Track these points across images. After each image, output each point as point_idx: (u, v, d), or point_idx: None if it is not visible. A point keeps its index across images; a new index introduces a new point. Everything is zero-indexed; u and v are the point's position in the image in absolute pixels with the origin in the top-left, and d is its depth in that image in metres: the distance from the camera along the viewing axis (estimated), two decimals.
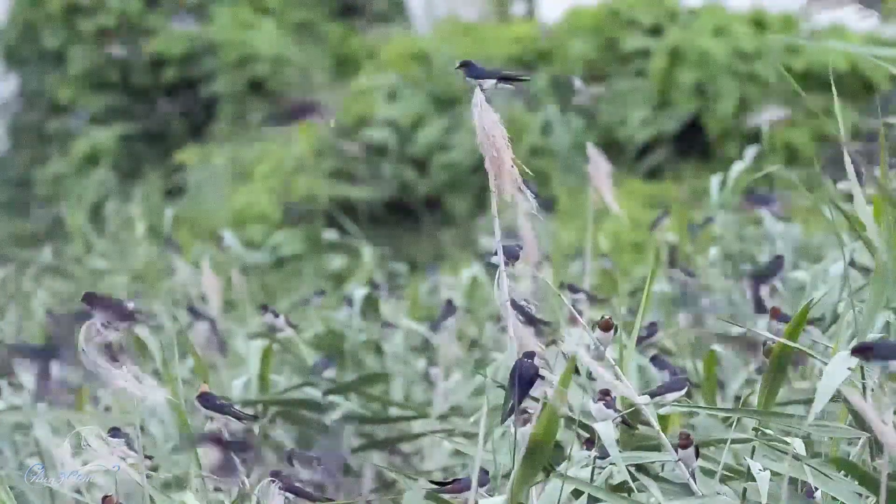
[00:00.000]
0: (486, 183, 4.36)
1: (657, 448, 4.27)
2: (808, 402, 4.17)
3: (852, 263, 5.93)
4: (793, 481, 4.28)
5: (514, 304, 4.44)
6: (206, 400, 4.49)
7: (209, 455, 4.25)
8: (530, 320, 5.20)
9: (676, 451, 4.22)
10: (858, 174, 4.71)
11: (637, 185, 17.78)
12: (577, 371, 4.16)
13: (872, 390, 4.07)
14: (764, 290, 6.69)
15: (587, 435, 4.45)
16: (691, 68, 18.78)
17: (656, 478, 4.27)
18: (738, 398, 6.39)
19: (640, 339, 5.70)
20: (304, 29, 22.97)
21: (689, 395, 4.84)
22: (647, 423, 4.32)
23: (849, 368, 4.06)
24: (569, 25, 19.77)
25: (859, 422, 4.26)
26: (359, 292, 8.69)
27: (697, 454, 4.25)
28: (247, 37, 22.56)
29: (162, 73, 23.06)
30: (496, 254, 4.43)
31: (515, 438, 4.18)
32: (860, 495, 4.14)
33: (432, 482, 4.39)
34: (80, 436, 4.34)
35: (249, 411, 6.50)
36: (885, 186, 4.54)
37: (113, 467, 4.34)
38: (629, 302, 8.44)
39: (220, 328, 8.56)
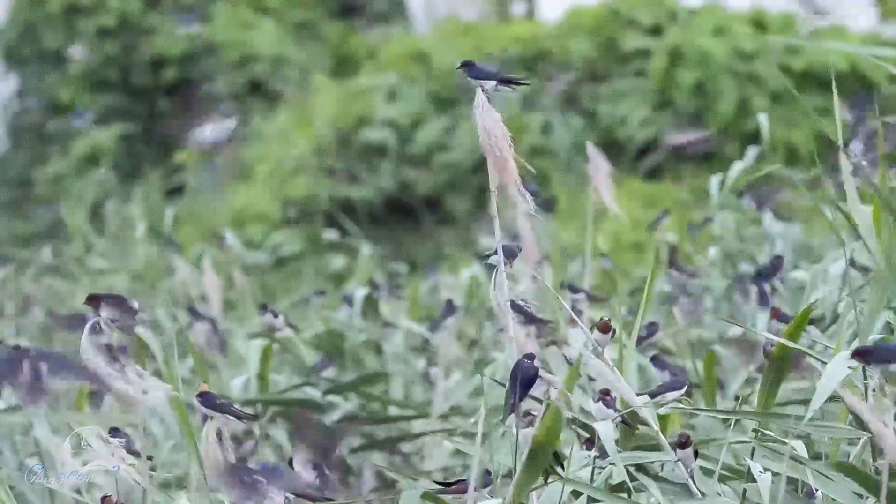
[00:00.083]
0: (487, 183, 4.36)
1: (657, 448, 4.27)
2: (808, 402, 4.16)
3: (852, 263, 5.93)
4: (793, 482, 4.28)
5: (514, 305, 4.45)
6: (206, 399, 4.49)
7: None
8: (530, 320, 5.20)
9: (675, 451, 4.23)
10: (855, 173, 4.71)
11: (637, 185, 17.77)
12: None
13: (874, 391, 4.07)
14: (765, 288, 6.70)
15: (587, 435, 4.46)
16: (691, 68, 18.77)
17: (656, 477, 4.27)
18: (738, 398, 6.39)
19: (640, 339, 5.71)
20: (304, 29, 22.97)
21: (689, 394, 4.84)
22: (647, 424, 4.32)
23: (849, 369, 4.06)
24: (569, 25, 19.77)
25: (859, 422, 4.26)
26: (359, 292, 8.70)
27: (696, 454, 4.26)
28: (247, 37, 22.56)
29: (162, 73, 23.06)
30: (493, 255, 4.43)
31: (517, 440, 4.18)
32: (860, 496, 4.14)
33: (437, 482, 4.39)
34: (79, 436, 4.34)
35: (249, 411, 6.50)
36: (883, 190, 4.53)
37: (113, 467, 4.34)
38: (629, 302, 8.44)
39: (220, 328, 8.56)
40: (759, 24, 18.70)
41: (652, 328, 6.35)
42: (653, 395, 4.50)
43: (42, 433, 6.16)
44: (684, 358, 7.09)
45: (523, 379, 4.15)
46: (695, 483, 4.22)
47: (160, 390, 4.32)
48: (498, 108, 4.39)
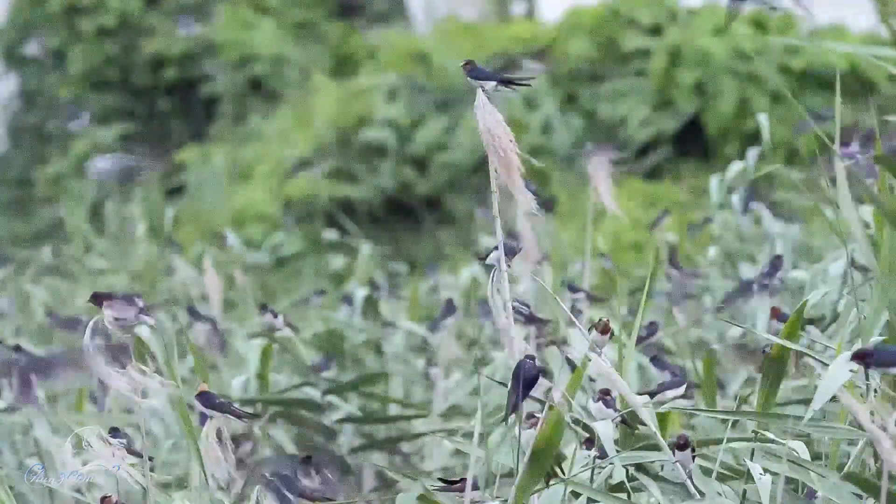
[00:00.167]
0: (487, 183, 4.35)
1: (657, 448, 4.27)
2: (808, 401, 4.16)
3: (853, 263, 5.93)
4: (793, 482, 4.27)
5: (511, 305, 4.44)
6: (206, 399, 4.49)
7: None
8: (530, 320, 5.20)
9: (673, 451, 4.22)
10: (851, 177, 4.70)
11: (637, 185, 17.78)
12: None
13: (875, 391, 4.07)
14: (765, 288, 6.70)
15: (587, 435, 4.46)
16: (691, 68, 18.78)
17: (656, 477, 4.27)
18: (738, 398, 6.39)
19: (640, 339, 5.71)
20: (304, 28, 22.97)
21: (688, 394, 4.84)
22: (647, 424, 4.32)
23: (850, 371, 4.06)
24: (569, 25, 19.77)
25: (859, 423, 4.25)
26: (359, 292, 8.70)
27: (693, 455, 4.25)
28: (247, 36, 22.56)
29: (162, 73, 23.06)
30: (489, 256, 4.42)
31: (519, 441, 4.17)
32: (860, 497, 4.14)
33: (441, 479, 4.39)
34: (79, 436, 4.34)
35: (249, 410, 6.50)
36: (881, 198, 4.53)
37: (113, 467, 4.34)
38: (629, 302, 8.44)
39: (220, 328, 8.56)
40: (760, 24, 18.70)
41: (652, 328, 6.35)
42: (652, 395, 4.50)
43: (42, 433, 6.16)
44: (684, 358, 7.08)
45: (525, 379, 4.15)
46: (693, 483, 4.21)
47: (160, 390, 4.32)
48: (499, 109, 4.39)
